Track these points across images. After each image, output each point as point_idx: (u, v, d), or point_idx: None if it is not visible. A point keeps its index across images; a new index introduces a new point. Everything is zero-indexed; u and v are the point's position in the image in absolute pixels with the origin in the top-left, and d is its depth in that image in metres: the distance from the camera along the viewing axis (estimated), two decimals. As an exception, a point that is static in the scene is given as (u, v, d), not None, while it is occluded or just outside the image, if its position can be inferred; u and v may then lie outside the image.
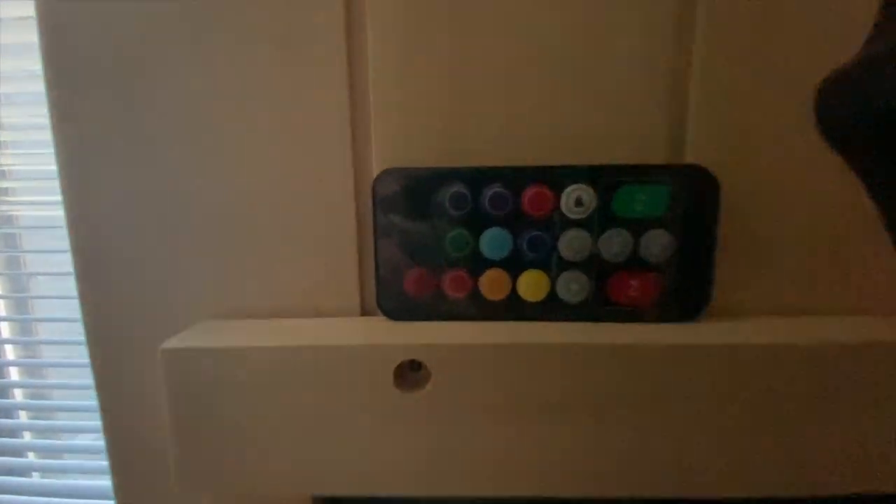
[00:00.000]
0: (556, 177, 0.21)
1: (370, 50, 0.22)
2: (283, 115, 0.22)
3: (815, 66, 0.20)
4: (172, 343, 0.20)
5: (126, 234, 0.23)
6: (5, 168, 0.68)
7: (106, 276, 0.23)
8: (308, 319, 0.23)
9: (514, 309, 0.23)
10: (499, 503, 0.22)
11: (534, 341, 0.21)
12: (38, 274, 0.72)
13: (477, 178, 0.22)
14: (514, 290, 0.23)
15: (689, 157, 0.22)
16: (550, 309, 0.23)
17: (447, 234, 0.22)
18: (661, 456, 0.21)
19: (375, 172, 0.22)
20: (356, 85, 0.22)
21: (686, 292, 0.22)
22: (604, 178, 0.21)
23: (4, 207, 0.70)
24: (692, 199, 0.21)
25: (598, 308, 0.22)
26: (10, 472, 0.75)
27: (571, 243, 0.22)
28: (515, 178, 0.22)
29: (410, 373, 0.21)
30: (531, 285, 0.22)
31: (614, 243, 0.21)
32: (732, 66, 0.21)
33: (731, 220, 0.22)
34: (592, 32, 0.21)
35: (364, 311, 0.24)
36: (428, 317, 0.23)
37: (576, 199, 0.21)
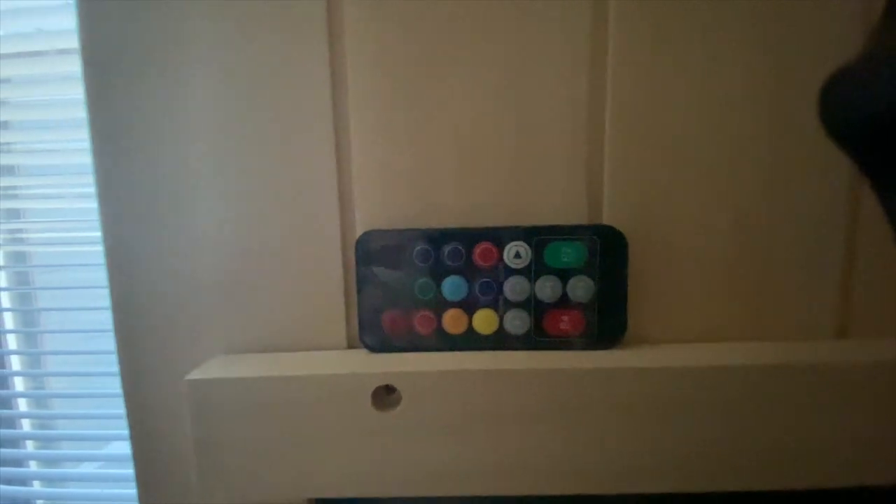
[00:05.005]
0: (499, 236, 0.27)
1: (352, 135, 0.27)
2: (283, 187, 0.28)
3: (706, 140, 0.26)
4: (195, 375, 0.25)
5: (157, 283, 0.28)
6: (21, 208, 0.72)
7: (137, 317, 0.29)
8: (303, 353, 0.28)
9: (470, 341, 0.28)
10: (461, 500, 0.27)
11: (486, 367, 0.26)
12: (49, 309, 0.76)
13: (438, 237, 0.27)
14: (470, 326, 0.28)
15: (605, 218, 0.28)
16: (499, 340, 0.28)
17: (415, 281, 0.28)
18: (585, 457, 0.26)
19: (358, 233, 0.28)
20: (343, 164, 0.28)
21: (605, 326, 0.27)
22: (536, 236, 0.27)
23: (18, 247, 0.74)
24: (606, 251, 0.27)
25: (536, 339, 0.28)
26: (14, 501, 0.78)
27: (514, 288, 0.27)
28: (468, 237, 0.27)
29: (386, 395, 0.26)
30: (484, 322, 0.28)
31: (547, 287, 0.27)
32: (636, 145, 0.27)
33: (642, 267, 0.27)
34: (524, 124, 0.27)
35: (349, 345, 0.29)
36: (402, 349, 0.28)
37: (515, 252, 0.27)
